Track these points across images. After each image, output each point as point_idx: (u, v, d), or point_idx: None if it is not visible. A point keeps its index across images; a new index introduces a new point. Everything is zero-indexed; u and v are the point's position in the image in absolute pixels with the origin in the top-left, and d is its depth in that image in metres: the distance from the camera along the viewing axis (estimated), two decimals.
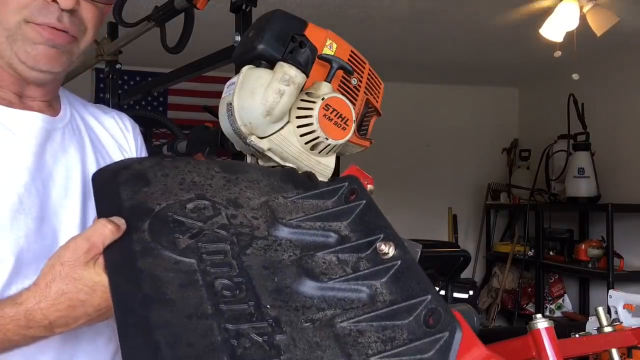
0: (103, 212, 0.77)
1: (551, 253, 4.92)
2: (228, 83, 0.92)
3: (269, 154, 0.90)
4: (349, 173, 0.85)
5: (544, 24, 3.44)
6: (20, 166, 0.95)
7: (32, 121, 0.99)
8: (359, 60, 1.01)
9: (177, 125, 2.60)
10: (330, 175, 0.94)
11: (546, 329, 0.99)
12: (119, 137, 1.15)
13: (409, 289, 0.66)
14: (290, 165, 0.91)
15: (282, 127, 0.89)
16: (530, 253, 5.08)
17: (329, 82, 0.92)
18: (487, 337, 0.76)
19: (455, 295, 3.43)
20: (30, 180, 0.95)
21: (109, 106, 1.58)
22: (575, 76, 3.86)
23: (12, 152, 0.95)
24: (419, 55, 4.87)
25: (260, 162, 0.94)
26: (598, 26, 3.38)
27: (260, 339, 0.60)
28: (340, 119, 0.91)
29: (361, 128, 1.05)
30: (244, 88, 0.88)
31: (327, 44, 0.95)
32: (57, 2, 0.94)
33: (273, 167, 0.92)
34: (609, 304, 1.69)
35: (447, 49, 4.62)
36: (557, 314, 4.97)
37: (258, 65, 0.90)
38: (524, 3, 3.53)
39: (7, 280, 0.88)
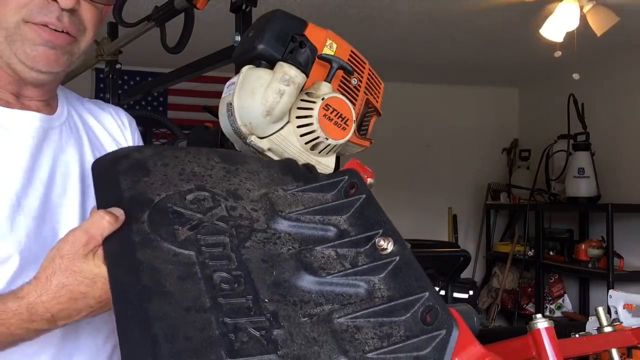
0: (103, 201, 0.77)
1: (551, 253, 4.92)
2: (228, 83, 0.92)
3: (269, 154, 0.90)
4: (349, 166, 0.85)
5: (544, 24, 3.44)
6: (18, 166, 0.95)
7: (30, 121, 0.99)
8: (359, 60, 1.01)
9: (177, 125, 2.60)
10: None
11: (546, 329, 0.99)
12: (116, 134, 1.15)
13: (406, 286, 0.66)
14: None
15: (282, 127, 0.89)
16: (530, 253, 5.08)
17: (329, 82, 0.92)
18: (487, 337, 0.77)
19: (455, 295, 3.43)
20: (28, 181, 0.95)
21: None
22: (575, 76, 3.86)
23: (9, 152, 0.95)
24: (419, 55, 4.87)
25: None
26: (598, 26, 3.38)
27: (257, 334, 0.60)
28: (340, 119, 0.91)
29: (361, 128, 1.05)
30: (244, 88, 0.88)
31: (327, 44, 0.95)
32: (57, 2, 0.94)
33: None
34: (609, 304, 1.69)
35: (447, 49, 4.62)
36: (557, 314, 4.97)
37: (258, 65, 0.90)
38: (524, 3, 3.53)
39: (10, 278, 0.88)
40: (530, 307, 5.10)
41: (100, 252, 0.74)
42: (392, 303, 0.65)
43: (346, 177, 0.82)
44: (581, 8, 3.37)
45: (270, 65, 0.89)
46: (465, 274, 3.71)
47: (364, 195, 0.79)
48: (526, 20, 3.77)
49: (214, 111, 1.04)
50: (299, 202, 0.80)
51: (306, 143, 0.90)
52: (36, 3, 0.94)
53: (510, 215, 5.72)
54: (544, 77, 5.48)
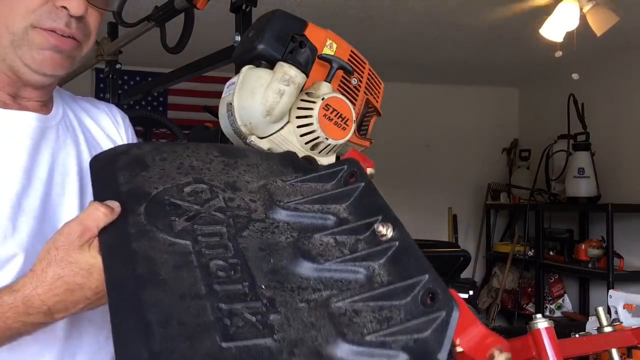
0: (100, 195, 0.76)
1: (551, 253, 4.92)
2: (228, 83, 0.92)
3: None
4: (349, 156, 0.85)
5: (544, 24, 3.44)
6: (17, 167, 0.95)
7: (27, 121, 0.99)
8: (359, 60, 1.01)
9: (177, 125, 2.60)
10: None
11: (546, 329, 0.99)
12: (111, 132, 1.16)
13: (406, 270, 0.65)
14: None
15: (282, 127, 0.89)
16: (530, 253, 5.08)
17: (329, 82, 0.92)
18: None
19: None
20: (28, 181, 0.95)
21: None
22: (575, 76, 3.86)
23: (8, 153, 0.95)
24: (419, 55, 4.87)
25: None
26: (598, 26, 3.38)
27: (253, 318, 0.60)
28: (340, 119, 0.91)
29: (361, 128, 1.05)
30: (244, 88, 0.88)
31: (327, 44, 0.95)
32: (66, 8, 0.94)
33: None
34: (609, 304, 1.69)
35: (447, 49, 4.62)
36: (557, 314, 4.97)
37: (258, 65, 0.90)
38: (524, 3, 3.53)
39: (15, 277, 0.88)
40: (530, 307, 5.10)
41: (95, 243, 0.74)
42: (392, 287, 0.64)
43: (345, 166, 0.81)
44: (581, 8, 3.37)
45: (270, 65, 0.89)
46: (465, 274, 3.71)
47: (363, 184, 0.78)
48: (526, 20, 3.77)
49: (214, 111, 1.04)
50: (297, 192, 0.79)
51: (306, 143, 0.90)
52: (45, 9, 0.94)
53: (510, 215, 5.72)
54: (544, 77, 5.48)
